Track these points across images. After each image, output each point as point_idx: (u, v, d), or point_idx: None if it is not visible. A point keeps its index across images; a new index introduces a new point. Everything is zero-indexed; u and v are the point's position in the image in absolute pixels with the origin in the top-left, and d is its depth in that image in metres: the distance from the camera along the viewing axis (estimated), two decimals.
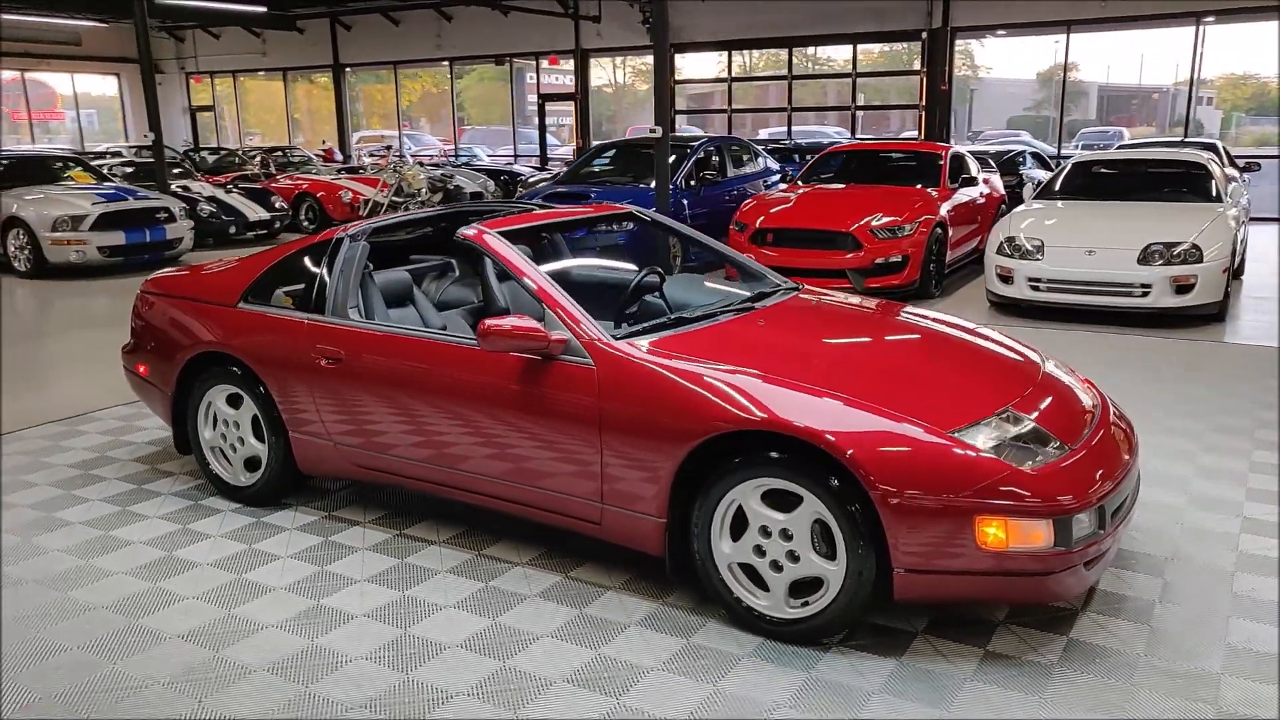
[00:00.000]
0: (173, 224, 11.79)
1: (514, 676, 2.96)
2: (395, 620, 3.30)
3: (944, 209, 9.39)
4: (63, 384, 6.41)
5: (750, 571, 3.18)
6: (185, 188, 14.26)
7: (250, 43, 25.44)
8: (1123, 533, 3.41)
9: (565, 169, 13.06)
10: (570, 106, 21.90)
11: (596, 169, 11.87)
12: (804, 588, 3.11)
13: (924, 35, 17.86)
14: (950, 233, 9.50)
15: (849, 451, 2.91)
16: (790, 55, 19.35)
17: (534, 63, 21.98)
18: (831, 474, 2.96)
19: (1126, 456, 3.30)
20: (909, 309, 4.24)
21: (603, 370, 3.31)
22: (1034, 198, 9.52)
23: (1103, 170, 9.64)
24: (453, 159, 21.83)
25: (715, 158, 11.60)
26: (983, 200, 10.69)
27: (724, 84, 20.57)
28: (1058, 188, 9.38)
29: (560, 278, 4.17)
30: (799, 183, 10.60)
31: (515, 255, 3.69)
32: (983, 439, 3.00)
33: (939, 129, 17.95)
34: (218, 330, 4.22)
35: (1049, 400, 3.40)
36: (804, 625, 3.10)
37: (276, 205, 14.59)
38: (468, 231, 3.82)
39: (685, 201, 10.53)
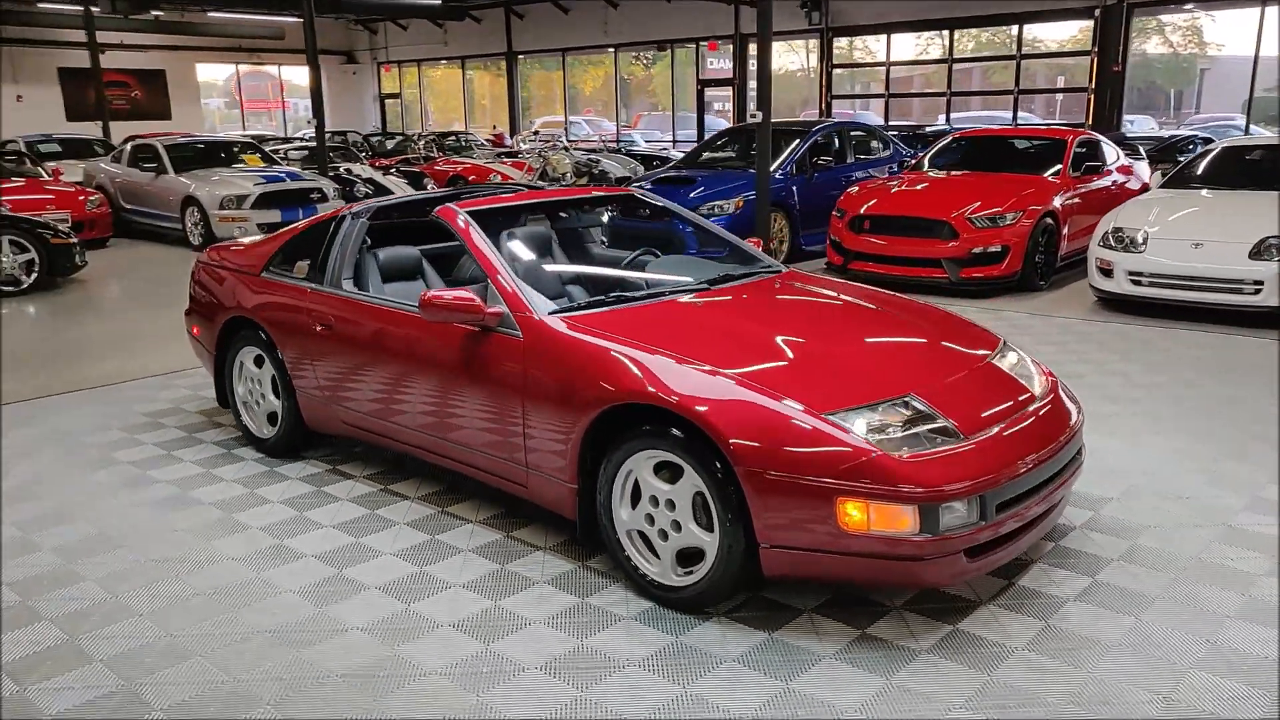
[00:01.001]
0: (324, 203, 12.79)
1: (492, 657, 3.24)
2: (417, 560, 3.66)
3: (1058, 199, 8.93)
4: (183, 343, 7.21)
5: (646, 539, 3.32)
6: (349, 170, 15.39)
7: (433, 33, 26.89)
8: (1048, 525, 3.35)
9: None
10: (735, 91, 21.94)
11: (718, 154, 11.96)
12: (693, 557, 3.23)
13: (1097, 12, 16.80)
14: (1066, 224, 9.03)
15: (717, 427, 3.00)
16: (951, 37, 18.66)
17: (694, 47, 22.16)
18: (708, 449, 3.06)
19: (1043, 452, 3.20)
20: (888, 296, 4.21)
21: (528, 342, 3.53)
22: (1162, 185, 8.90)
23: (1254, 157, 8.88)
24: (610, 144, 22.33)
25: (836, 144, 11.44)
26: (1116, 190, 10.04)
27: (917, 66, 20.02)
28: (1198, 174, 8.71)
29: (543, 255, 4.40)
30: (926, 170, 10.32)
31: (475, 232, 3.95)
32: (860, 423, 3.02)
33: (1109, 113, 16.86)
34: (245, 296, 4.72)
35: (965, 389, 3.34)
36: (687, 593, 3.21)
37: (428, 187, 15.50)
38: (440, 209, 4.11)
39: (794, 187, 10.47)
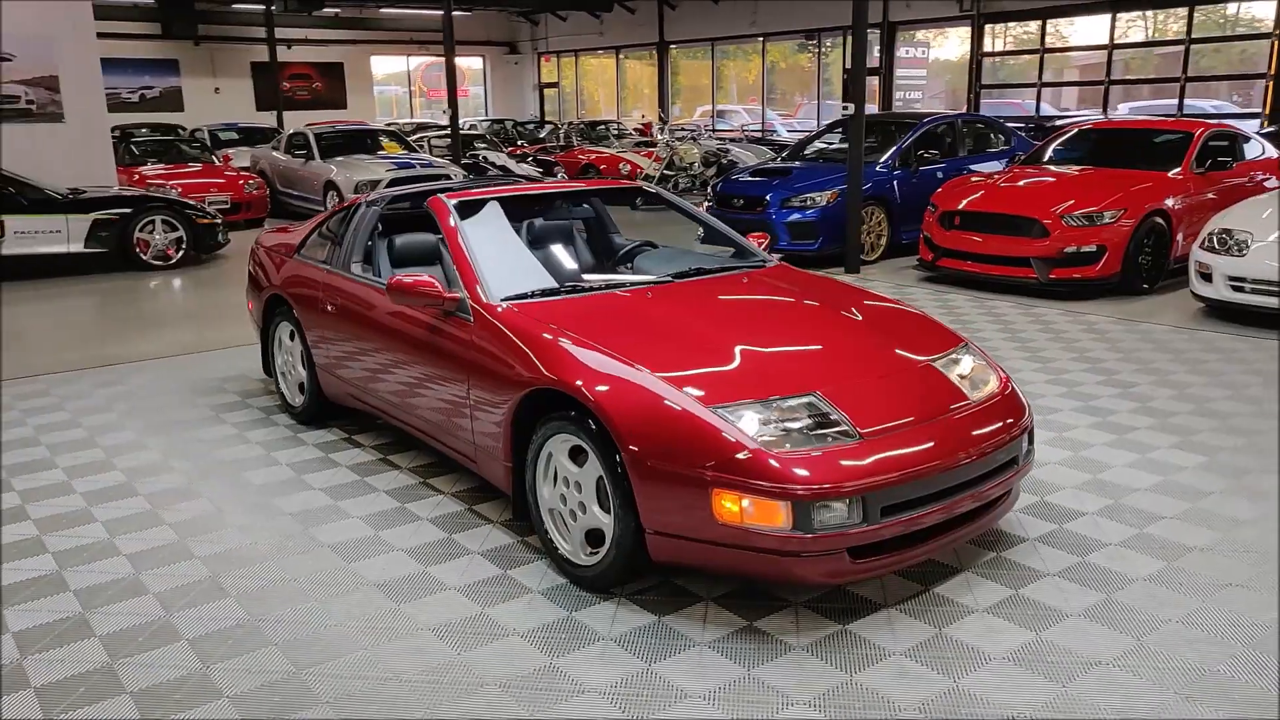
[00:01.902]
0: None
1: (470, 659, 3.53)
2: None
3: (1171, 199, 8.37)
4: None
5: (564, 519, 3.48)
6: (484, 158, 16.09)
7: (590, 24, 27.50)
8: (971, 531, 3.31)
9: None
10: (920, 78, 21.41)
11: (827, 145, 11.80)
12: (602, 538, 3.36)
13: None
14: (1181, 225, 8.45)
15: (608, 413, 3.12)
16: (1113, 20, 17.54)
17: (841, 37, 21.75)
18: (606, 434, 3.18)
19: (951, 458, 3.15)
20: (856, 294, 4.18)
21: (475, 326, 3.75)
22: None
23: None
24: (753, 134, 22.25)
25: (947, 137, 11.08)
26: (1252, 188, 9.28)
27: (1106, 52, 18.96)
28: None
29: (535, 245, 4.59)
30: (1045, 163, 9.86)
31: (453, 221, 4.19)
32: (751, 417, 3.06)
33: None
34: (282, 276, 5.15)
35: (885, 390, 3.32)
36: (590, 572, 3.35)
37: (558, 175, 15.99)
38: (431, 199, 4.37)
39: (895, 181, 10.23)
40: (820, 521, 2.94)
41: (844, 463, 2.99)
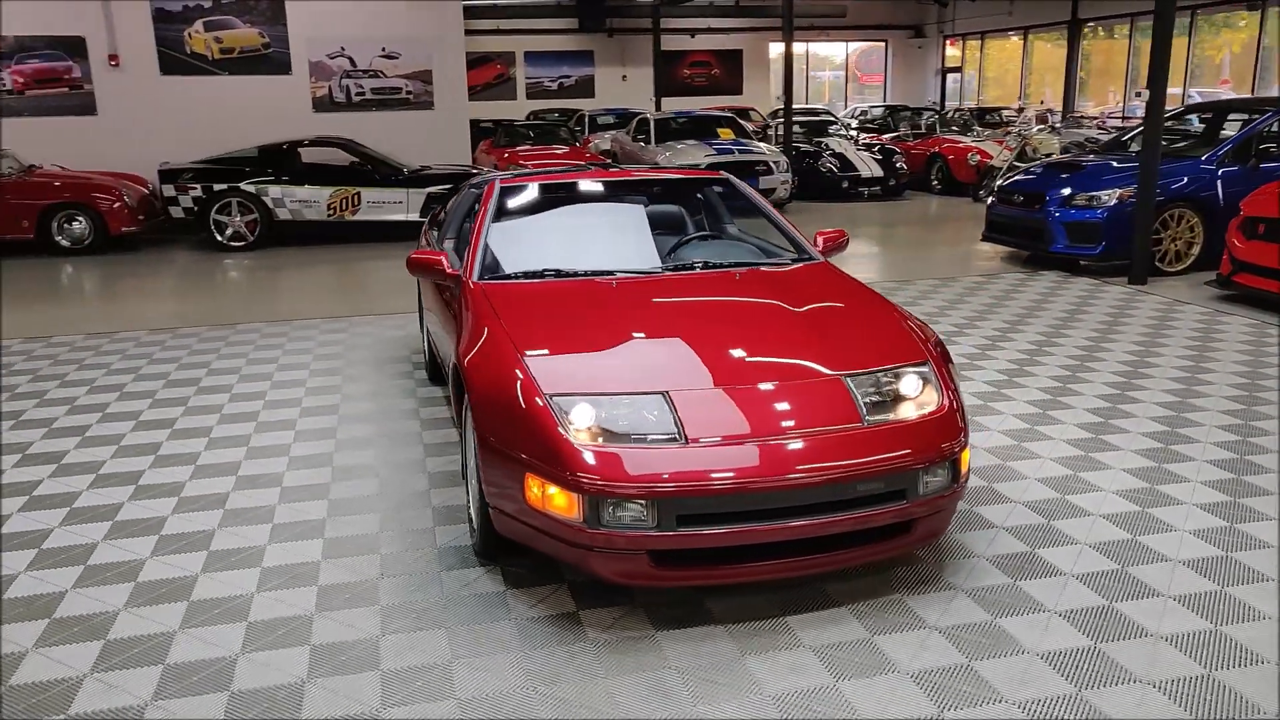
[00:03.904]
0: (767, 175, 13.65)
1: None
2: None
3: None
4: None
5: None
6: (824, 144, 16.00)
7: (999, 4, 25.79)
8: (837, 561, 3.08)
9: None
10: None
11: (1172, 136, 10.25)
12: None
13: None
14: None
15: (471, 389, 3.30)
16: None
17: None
18: None
19: (783, 480, 2.92)
20: (842, 302, 3.90)
21: (460, 298, 4.05)
22: None
23: None
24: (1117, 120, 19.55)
25: None
26: None
27: None
28: None
29: (572, 229, 4.73)
30: None
31: (491, 204, 4.51)
32: (583, 410, 3.07)
33: None
34: (420, 248, 5.81)
35: (746, 399, 3.13)
36: (479, 539, 3.53)
37: (897, 165, 15.44)
38: (490, 181, 4.74)
39: (1219, 181, 8.65)
40: (611, 519, 2.91)
41: (642, 465, 2.91)
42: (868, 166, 15.34)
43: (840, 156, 15.57)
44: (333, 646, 3.01)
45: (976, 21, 27.36)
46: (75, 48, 12.25)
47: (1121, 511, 3.86)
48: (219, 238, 11.13)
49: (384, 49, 13.26)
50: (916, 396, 3.26)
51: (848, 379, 3.25)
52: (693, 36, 27.76)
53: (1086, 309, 7.44)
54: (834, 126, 18.47)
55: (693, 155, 13.78)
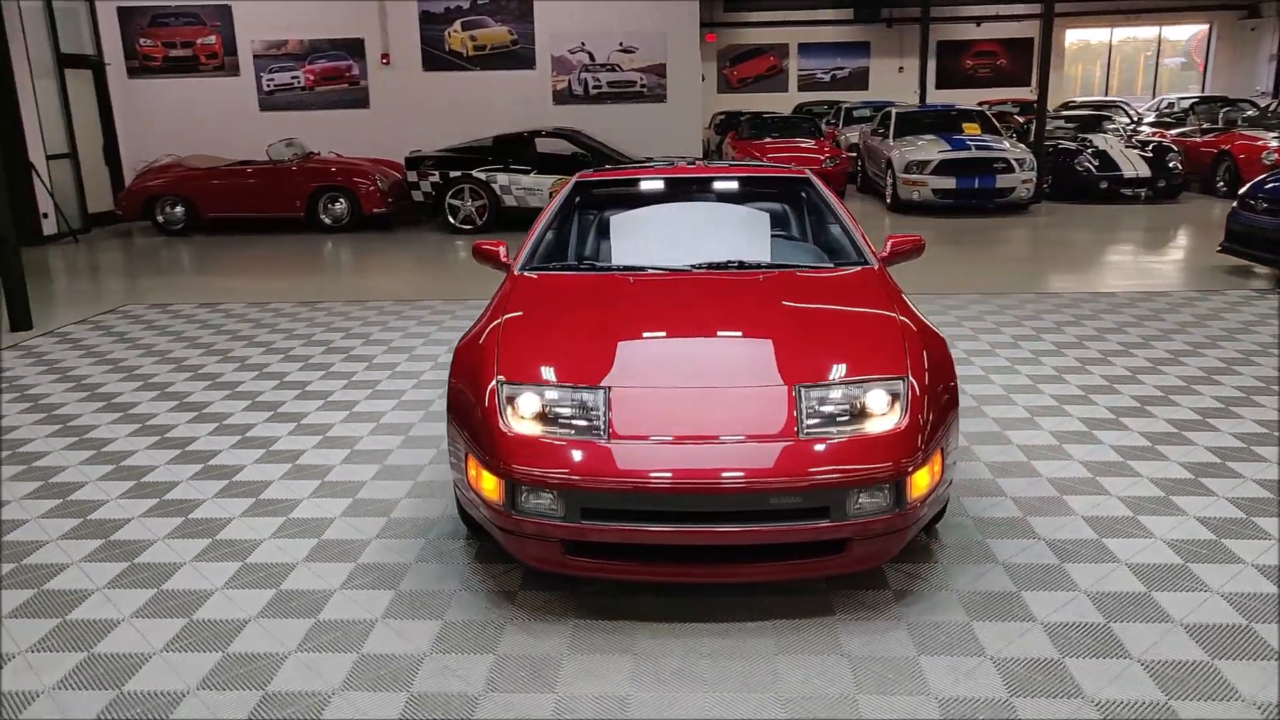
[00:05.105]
0: (1006, 174, 12.78)
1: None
2: None
3: None
4: None
5: None
6: (1087, 140, 14.69)
7: None
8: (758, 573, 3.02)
9: None
10: None
11: None
12: None
13: None
14: None
15: (453, 370, 3.51)
16: None
17: None
18: None
19: (692, 485, 2.88)
20: (840, 307, 3.74)
21: (502, 284, 4.27)
22: None
23: None
24: None
25: None
26: None
27: None
28: None
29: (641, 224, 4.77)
30: None
31: (560, 198, 4.69)
32: (529, 399, 3.18)
33: None
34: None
35: (682, 400, 3.12)
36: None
37: (1170, 164, 13.88)
38: (579, 174, 4.93)
39: None
40: (525, 505, 3.02)
41: (556, 456, 2.99)
42: (1132, 165, 13.89)
43: (1102, 154, 14.21)
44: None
45: None
46: (354, 48, 13.81)
47: None
48: (452, 220, 12.15)
49: (621, 43, 13.80)
50: (877, 413, 3.08)
51: (800, 389, 3.13)
52: (978, 25, 26.30)
53: None
54: (1116, 121, 16.87)
55: (925, 152, 13.18)
